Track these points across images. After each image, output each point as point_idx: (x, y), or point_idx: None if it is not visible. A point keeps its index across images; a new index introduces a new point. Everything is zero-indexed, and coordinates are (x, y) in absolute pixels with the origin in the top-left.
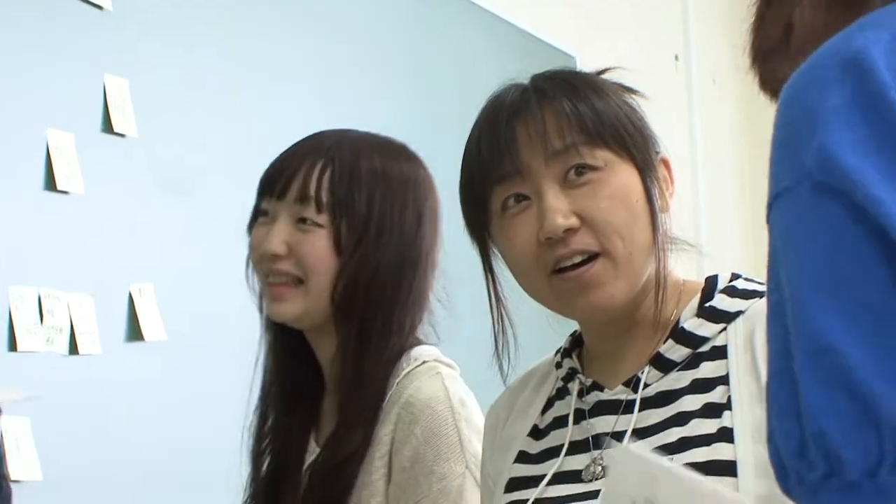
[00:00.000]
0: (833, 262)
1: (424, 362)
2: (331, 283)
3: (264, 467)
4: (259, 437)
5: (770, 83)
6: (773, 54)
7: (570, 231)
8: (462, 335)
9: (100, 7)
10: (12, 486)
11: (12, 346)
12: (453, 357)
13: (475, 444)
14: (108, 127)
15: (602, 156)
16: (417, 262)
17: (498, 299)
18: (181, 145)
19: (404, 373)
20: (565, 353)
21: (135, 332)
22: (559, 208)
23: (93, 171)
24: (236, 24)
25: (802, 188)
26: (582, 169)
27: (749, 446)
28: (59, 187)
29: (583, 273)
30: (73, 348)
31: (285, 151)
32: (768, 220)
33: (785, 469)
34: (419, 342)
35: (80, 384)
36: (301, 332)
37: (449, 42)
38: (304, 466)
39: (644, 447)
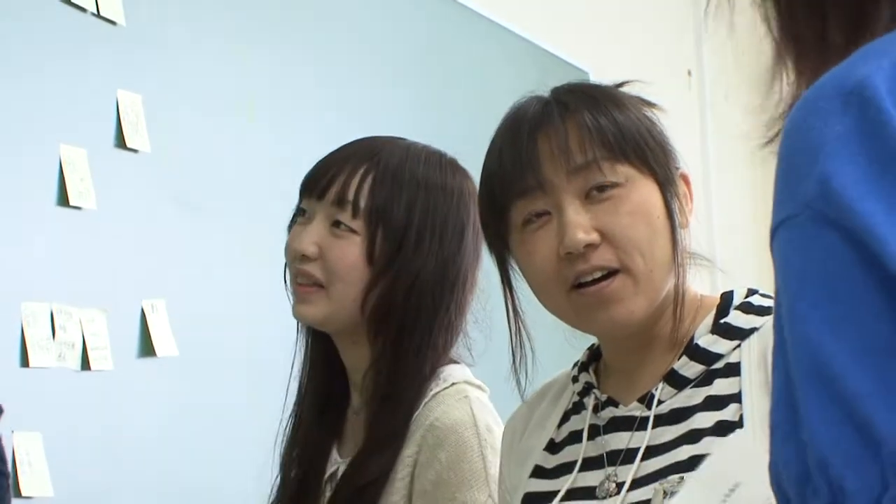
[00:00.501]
0: (834, 294)
1: (454, 384)
2: (360, 292)
3: (292, 475)
4: (291, 443)
5: None
6: None
7: (590, 246)
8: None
9: (113, 22)
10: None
11: (24, 361)
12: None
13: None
14: (121, 142)
15: (623, 171)
16: (457, 278)
17: (516, 313)
18: (194, 161)
19: (432, 394)
20: (582, 367)
21: (147, 347)
22: (580, 223)
23: (105, 186)
24: (250, 39)
25: (803, 218)
26: (603, 185)
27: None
28: (71, 203)
29: (602, 288)
30: (86, 364)
31: (333, 152)
32: (771, 250)
33: (787, 496)
34: (451, 362)
35: (92, 400)
36: (329, 338)
37: (464, 57)
38: (325, 476)
39: None
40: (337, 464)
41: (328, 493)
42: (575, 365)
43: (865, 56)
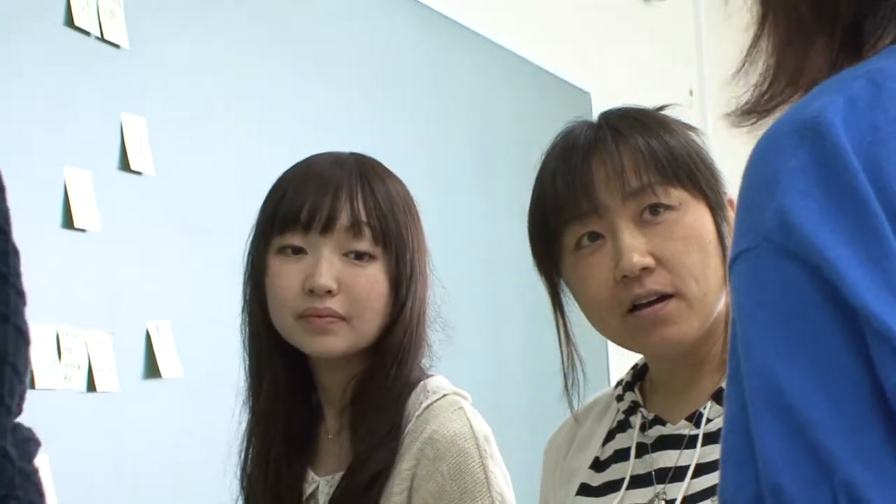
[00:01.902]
0: (791, 323)
1: (444, 395)
2: (381, 317)
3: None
4: (249, 470)
5: None
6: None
7: (645, 270)
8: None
9: (117, 46)
10: None
11: (31, 383)
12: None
13: (500, 482)
14: (125, 165)
15: (677, 195)
16: (428, 291)
17: (568, 337)
18: (198, 183)
19: (423, 406)
20: (627, 386)
21: (152, 369)
22: (636, 247)
23: (110, 208)
24: (251, 63)
25: (761, 250)
26: (657, 208)
27: None
28: (76, 225)
29: (658, 311)
30: (91, 385)
31: (302, 179)
32: (729, 280)
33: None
34: (425, 372)
35: (98, 421)
36: (301, 360)
37: (466, 78)
38: (304, 497)
39: None
40: (315, 483)
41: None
42: (619, 384)
43: (820, 92)
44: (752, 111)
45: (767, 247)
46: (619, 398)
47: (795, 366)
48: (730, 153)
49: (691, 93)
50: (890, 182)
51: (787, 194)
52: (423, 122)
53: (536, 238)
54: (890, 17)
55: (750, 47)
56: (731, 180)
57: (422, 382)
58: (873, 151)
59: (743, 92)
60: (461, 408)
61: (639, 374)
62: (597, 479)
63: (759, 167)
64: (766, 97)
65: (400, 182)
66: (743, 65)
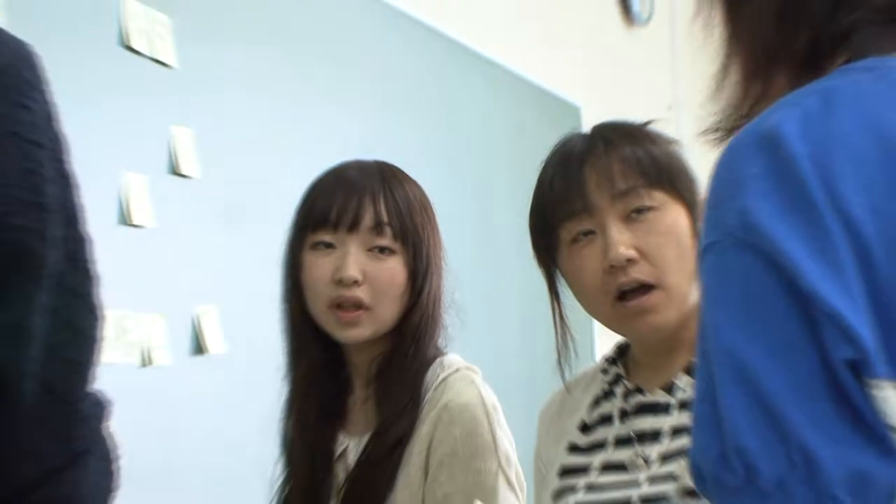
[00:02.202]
0: (751, 307)
1: (458, 370)
2: (400, 306)
3: (300, 459)
4: (297, 434)
5: None
6: None
7: (630, 261)
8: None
9: (166, 65)
10: None
11: None
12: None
13: (506, 444)
14: (174, 169)
15: (658, 197)
16: (443, 281)
17: (562, 319)
18: (238, 185)
19: (440, 378)
20: (611, 361)
21: (199, 346)
22: (622, 241)
23: (162, 207)
24: (285, 80)
25: (726, 244)
26: (641, 208)
27: None
28: (133, 222)
29: (643, 302)
30: (146, 361)
31: (332, 185)
32: (699, 270)
33: (702, 473)
34: (441, 350)
35: (151, 392)
36: (334, 346)
37: (472, 93)
38: (335, 456)
39: None
40: (345, 444)
41: (340, 472)
42: (604, 359)
43: (779, 107)
44: (721, 130)
45: (730, 241)
46: (605, 371)
47: (756, 344)
48: (702, 161)
49: (669, 108)
50: (837, 186)
51: (748, 196)
52: (433, 133)
53: (536, 233)
54: (840, 42)
55: (719, 75)
56: (704, 185)
57: (438, 359)
58: (823, 159)
59: (714, 113)
60: (472, 381)
61: (621, 351)
62: (584, 440)
63: (724, 173)
64: (732, 119)
65: (418, 186)
66: (714, 90)
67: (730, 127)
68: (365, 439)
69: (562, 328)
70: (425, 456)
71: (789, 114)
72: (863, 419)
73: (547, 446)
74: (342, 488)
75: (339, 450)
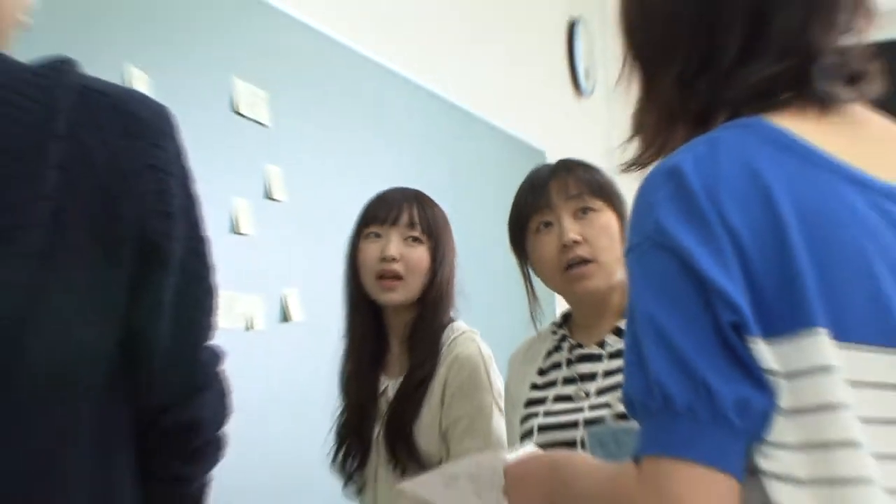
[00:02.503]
0: (664, 288)
1: (463, 332)
2: (424, 281)
3: (353, 397)
4: (351, 377)
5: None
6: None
7: (576, 243)
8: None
9: (264, 125)
10: None
11: None
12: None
13: (497, 384)
14: (268, 195)
15: (597, 203)
16: (454, 270)
17: (531, 288)
18: (311, 205)
19: (452, 338)
20: (559, 325)
21: (285, 316)
22: (572, 229)
23: (259, 221)
24: (345, 133)
25: (645, 245)
26: (586, 210)
27: None
28: (240, 231)
29: (583, 271)
30: (249, 326)
31: (383, 197)
32: (626, 264)
33: (632, 402)
34: (452, 319)
35: (253, 348)
36: (379, 310)
37: (464, 143)
38: (379, 392)
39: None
40: (386, 383)
41: (383, 405)
42: (553, 324)
43: (680, 150)
44: (637, 165)
45: (649, 243)
46: (554, 332)
47: (668, 313)
48: (628, 187)
49: (606, 152)
50: (722, 205)
51: (659, 211)
52: (441, 171)
53: (512, 228)
54: (722, 107)
55: (636, 127)
56: (628, 201)
57: (450, 325)
58: (711, 187)
59: (633, 154)
60: (473, 339)
61: (565, 318)
62: (541, 380)
63: (643, 195)
64: (647, 158)
65: (439, 207)
66: (632, 137)
67: (645, 164)
68: (399, 381)
69: (531, 295)
70: (441, 391)
71: (687, 155)
72: (744, 364)
73: (515, 384)
74: (385, 416)
75: (381, 388)
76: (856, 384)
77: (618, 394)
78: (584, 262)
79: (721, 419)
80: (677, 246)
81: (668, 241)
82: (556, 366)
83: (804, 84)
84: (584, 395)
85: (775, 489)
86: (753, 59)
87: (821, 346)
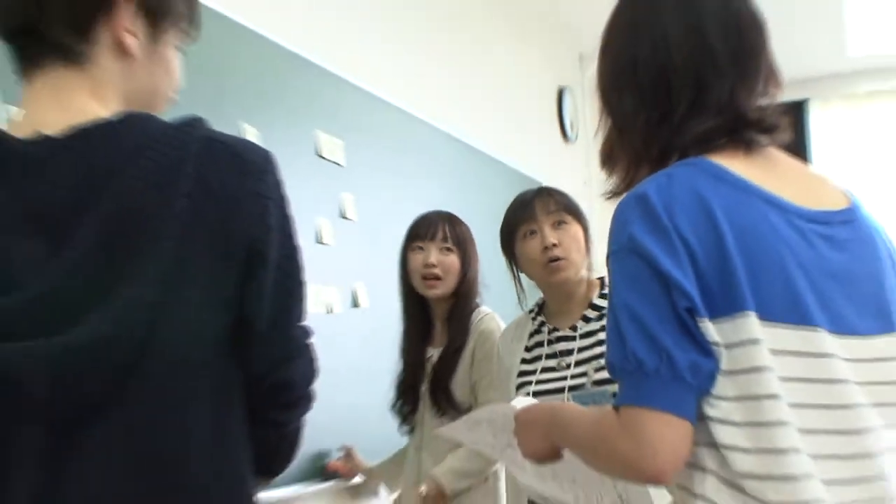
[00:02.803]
0: (636, 283)
1: (487, 314)
2: (456, 280)
3: (407, 362)
4: (405, 348)
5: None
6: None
7: (555, 245)
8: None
9: (340, 165)
10: None
11: None
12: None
13: None
14: (343, 215)
15: (569, 218)
16: (478, 270)
17: (519, 281)
18: (377, 224)
19: (479, 318)
20: (536, 312)
21: (355, 303)
22: (551, 235)
23: (337, 234)
24: (398, 171)
25: (622, 252)
26: (560, 223)
27: None
28: (323, 242)
29: (558, 265)
30: (329, 310)
31: (424, 218)
32: (607, 265)
33: (613, 366)
34: (478, 304)
35: (331, 327)
36: (424, 301)
37: (476, 177)
38: (426, 358)
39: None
40: (432, 352)
41: (429, 367)
42: (530, 311)
43: (644, 182)
44: (613, 194)
45: (625, 250)
46: (533, 319)
47: (639, 300)
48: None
49: (584, 183)
50: (676, 222)
51: (632, 226)
52: (466, 199)
53: (504, 234)
54: (675, 151)
55: (608, 165)
56: (605, 223)
57: (477, 309)
58: (668, 207)
59: (610, 185)
60: (494, 319)
61: (540, 306)
62: (528, 356)
63: (619, 215)
64: (620, 189)
65: (465, 224)
66: (607, 172)
67: (619, 192)
68: (440, 351)
69: (519, 286)
70: (471, 356)
71: (651, 185)
72: (695, 338)
73: (507, 356)
74: (430, 375)
75: (428, 355)
76: (776, 352)
77: (592, 364)
78: (560, 259)
79: (679, 378)
80: (646, 252)
81: (638, 249)
82: (539, 344)
83: (734, 133)
84: (565, 366)
85: (718, 430)
86: (697, 115)
87: (750, 324)
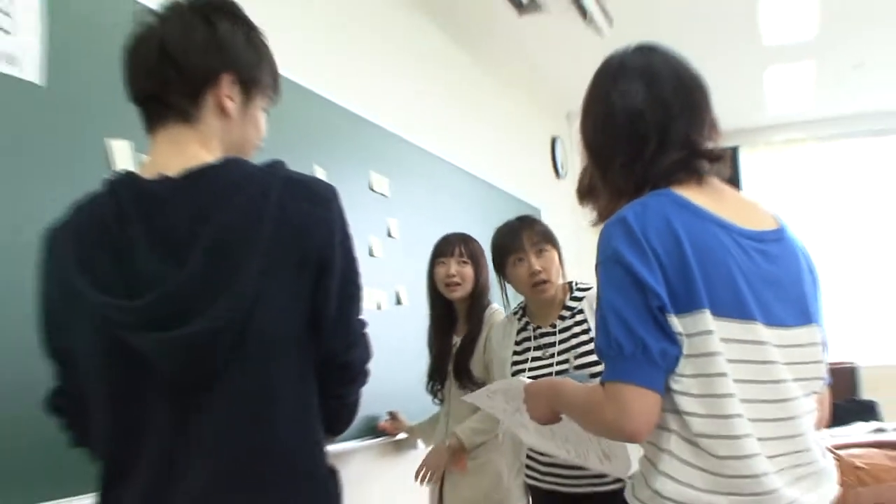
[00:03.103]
0: (619, 288)
1: (497, 309)
2: (472, 283)
3: (435, 350)
4: (433, 338)
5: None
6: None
7: (538, 271)
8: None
9: (386, 196)
10: None
11: None
12: None
13: None
14: (389, 234)
15: (548, 246)
16: (488, 278)
17: (506, 291)
18: (414, 241)
19: (490, 313)
20: (520, 314)
21: (399, 301)
22: (536, 262)
23: (386, 249)
24: (431, 203)
25: (608, 261)
26: (542, 250)
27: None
28: (374, 255)
29: (543, 287)
30: (379, 307)
31: (445, 239)
32: (596, 273)
33: (601, 351)
34: (490, 302)
35: (382, 319)
36: (449, 302)
37: (482, 204)
38: (451, 345)
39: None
40: (456, 340)
41: (454, 352)
42: (514, 312)
43: (624, 209)
44: (598, 222)
45: (610, 260)
46: (518, 319)
47: (622, 300)
48: (588, 232)
49: (572, 210)
50: (650, 239)
51: (615, 242)
52: (475, 223)
53: (496, 257)
54: (647, 184)
55: (585, 198)
56: (588, 241)
57: (489, 306)
58: (643, 228)
59: (593, 216)
60: (501, 313)
61: (523, 308)
62: (518, 349)
63: (606, 233)
64: (603, 216)
65: (478, 242)
66: (583, 204)
67: (603, 219)
68: (461, 338)
69: (504, 295)
70: (484, 343)
71: (629, 212)
72: (664, 329)
73: (500, 349)
74: (454, 358)
75: (453, 343)
76: (725, 340)
77: (572, 353)
78: (545, 282)
79: (651, 360)
80: (626, 263)
81: (621, 260)
82: (527, 339)
83: (692, 163)
84: (549, 356)
85: (680, 400)
86: (664, 152)
87: (706, 319)
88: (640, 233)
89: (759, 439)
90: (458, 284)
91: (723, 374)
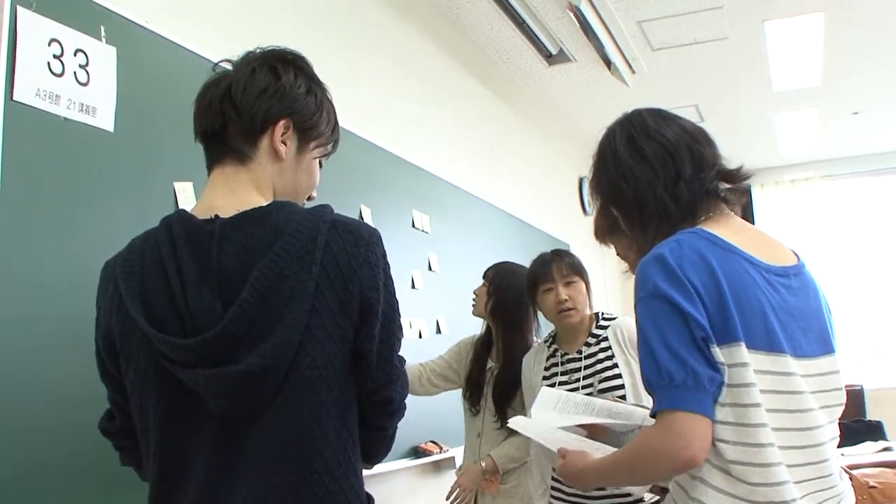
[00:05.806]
0: (663, 320)
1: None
2: (485, 306)
3: (472, 371)
4: (473, 360)
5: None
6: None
7: (566, 300)
8: None
9: (427, 232)
10: None
11: None
12: None
13: None
14: (430, 268)
15: (576, 278)
16: (522, 307)
17: (537, 317)
18: (453, 275)
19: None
20: (549, 340)
21: (439, 330)
22: (563, 292)
23: (426, 282)
24: (467, 238)
25: (648, 296)
26: (570, 281)
27: (626, 377)
28: (416, 287)
29: (569, 314)
30: (420, 335)
31: (485, 274)
32: (636, 310)
33: (649, 380)
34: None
35: (422, 347)
36: (489, 330)
37: (509, 239)
38: (487, 369)
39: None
40: (492, 365)
41: (489, 377)
42: (544, 340)
43: (659, 247)
44: (631, 262)
45: (650, 295)
46: (549, 346)
47: (667, 332)
48: (614, 264)
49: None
50: (686, 273)
51: (655, 278)
52: (510, 251)
53: (529, 286)
54: (674, 221)
55: (600, 236)
56: (614, 272)
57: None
58: (680, 263)
59: (624, 267)
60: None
61: (553, 337)
62: (547, 374)
63: (644, 270)
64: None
65: (513, 274)
66: (600, 242)
67: (638, 259)
68: (498, 365)
69: (535, 320)
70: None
71: (665, 248)
72: (709, 359)
73: (530, 374)
74: (491, 380)
75: (488, 366)
76: (758, 372)
77: (597, 377)
78: (570, 309)
79: (702, 387)
80: (668, 297)
81: (662, 294)
82: (555, 364)
83: (715, 206)
84: (575, 380)
85: (714, 427)
86: (701, 170)
87: (742, 351)
88: (678, 268)
89: (788, 466)
90: (478, 306)
91: (757, 405)
